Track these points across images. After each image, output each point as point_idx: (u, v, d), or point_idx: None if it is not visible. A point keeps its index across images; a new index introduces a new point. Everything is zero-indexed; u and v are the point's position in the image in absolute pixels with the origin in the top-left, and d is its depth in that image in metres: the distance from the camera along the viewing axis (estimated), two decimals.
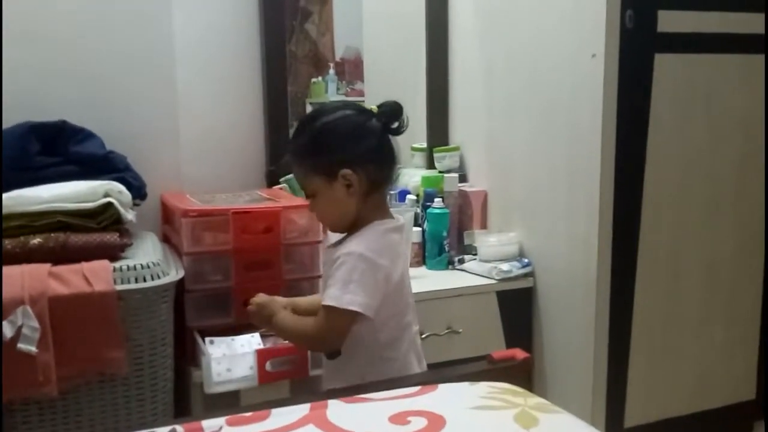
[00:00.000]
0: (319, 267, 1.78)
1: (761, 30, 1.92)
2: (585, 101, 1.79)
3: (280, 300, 1.55)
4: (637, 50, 1.76)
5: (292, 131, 1.51)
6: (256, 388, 1.64)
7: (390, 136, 1.48)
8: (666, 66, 1.80)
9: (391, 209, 1.57)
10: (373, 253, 1.39)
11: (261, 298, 1.51)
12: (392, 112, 1.47)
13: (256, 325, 1.58)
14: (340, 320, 1.39)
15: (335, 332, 1.41)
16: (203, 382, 1.63)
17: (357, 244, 1.40)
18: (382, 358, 1.45)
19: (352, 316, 1.38)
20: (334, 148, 1.42)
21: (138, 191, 1.85)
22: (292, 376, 1.68)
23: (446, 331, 1.94)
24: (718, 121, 1.91)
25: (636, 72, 1.77)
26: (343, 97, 2.60)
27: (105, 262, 1.52)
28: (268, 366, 1.64)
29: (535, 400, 1.16)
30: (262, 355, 1.63)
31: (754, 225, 2.03)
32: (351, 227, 1.46)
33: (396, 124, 1.47)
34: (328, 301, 1.37)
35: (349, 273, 1.37)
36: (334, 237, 1.55)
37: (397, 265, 1.45)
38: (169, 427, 1.08)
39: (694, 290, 1.96)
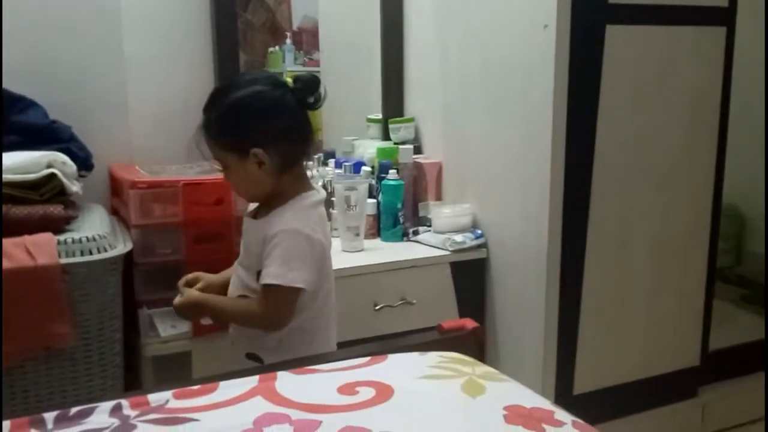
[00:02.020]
0: None
1: (713, 2, 1.94)
2: (537, 73, 1.80)
3: (209, 277, 1.54)
4: (588, 21, 1.76)
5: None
6: (210, 360, 1.64)
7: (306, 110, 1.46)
8: (617, 37, 1.81)
9: (347, 180, 1.57)
10: (308, 228, 1.40)
11: (187, 295, 1.47)
12: (307, 86, 1.43)
13: (187, 319, 1.57)
14: (287, 298, 1.39)
15: (284, 310, 1.41)
16: (146, 346, 1.63)
17: (291, 220, 1.40)
18: (304, 328, 1.46)
19: (297, 293, 1.39)
20: (244, 126, 1.39)
21: (84, 162, 1.80)
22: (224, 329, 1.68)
23: (400, 302, 1.95)
24: (668, 94, 1.93)
25: (587, 43, 1.78)
26: (300, 68, 2.56)
27: (49, 235, 1.48)
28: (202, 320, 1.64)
29: (482, 369, 1.18)
30: None
31: (702, 199, 2.07)
32: (271, 199, 1.45)
33: (312, 99, 1.44)
34: (272, 280, 1.36)
35: (288, 250, 1.37)
36: (251, 204, 1.55)
37: (328, 237, 1.48)
38: (115, 402, 1.07)
39: (643, 261, 2.00)
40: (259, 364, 1.45)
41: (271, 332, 1.44)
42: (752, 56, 2.25)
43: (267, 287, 1.38)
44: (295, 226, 1.39)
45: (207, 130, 1.42)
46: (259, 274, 1.43)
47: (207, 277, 1.53)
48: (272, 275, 1.37)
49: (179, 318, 1.53)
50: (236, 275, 1.51)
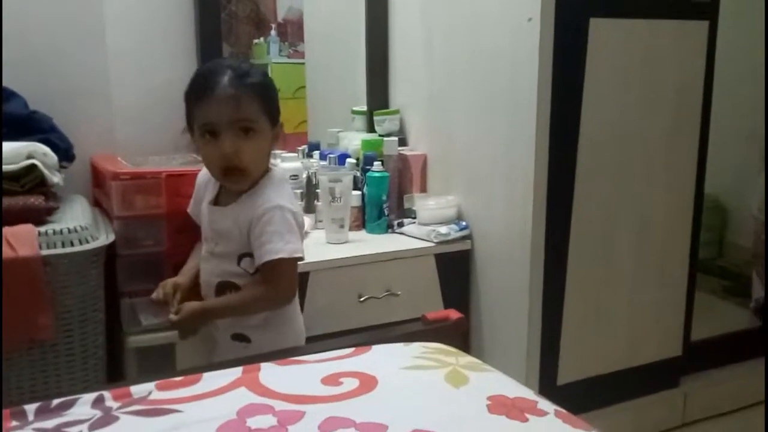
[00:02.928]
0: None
1: None
2: (522, 65, 1.80)
3: (182, 283, 1.53)
4: (572, 14, 1.77)
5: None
6: (194, 352, 1.63)
7: None
8: (601, 30, 1.81)
9: (331, 172, 1.59)
10: (288, 202, 1.46)
11: (187, 309, 1.45)
12: None
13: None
14: (290, 269, 1.44)
15: (291, 282, 1.46)
16: (129, 338, 1.63)
17: (273, 196, 1.44)
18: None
19: (296, 263, 1.45)
20: (277, 99, 1.48)
21: (65, 153, 1.78)
22: None
23: (385, 293, 1.95)
24: (652, 87, 1.94)
25: (571, 36, 1.78)
26: (285, 59, 2.55)
27: (29, 227, 1.47)
28: None
29: (466, 359, 1.18)
30: None
31: (684, 189, 2.09)
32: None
33: None
34: (275, 255, 1.40)
35: (280, 225, 1.41)
36: (207, 195, 1.55)
37: (300, 209, 1.55)
38: (96, 393, 1.06)
39: (626, 252, 2.02)
40: (244, 353, 1.45)
41: (279, 308, 1.48)
42: (735, 50, 2.27)
43: (270, 264, 1.40)
44: (279, 201, 1.43)
45: (252, 88, 1.41)
46: (241, 258, 1.45)
47: (180, 284, 1.52)
48: (274, 251, 1.40)
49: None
50: (211, 265, 1.51)
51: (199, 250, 1.59)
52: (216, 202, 1.52)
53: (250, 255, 1.45)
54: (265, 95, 1.44)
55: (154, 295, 1.50)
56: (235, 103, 1.38)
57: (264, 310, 1.48)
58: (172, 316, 1.45)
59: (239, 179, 1.44)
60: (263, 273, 1.43)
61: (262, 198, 1.43)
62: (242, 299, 1.47)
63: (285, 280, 1.44)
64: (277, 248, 1.40)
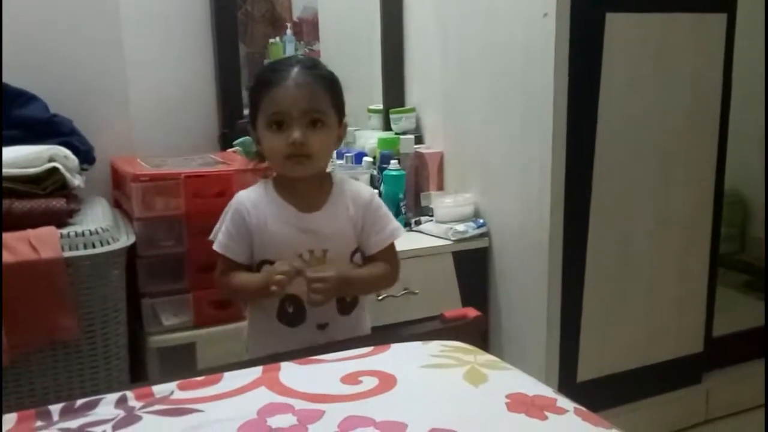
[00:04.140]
0: None
1: None
2: (537, 61, 1.79)
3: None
4: (588, 9, 1.76)
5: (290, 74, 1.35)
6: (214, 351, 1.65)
7: None
8: (617, 25, 1.80)
9: (348, 171, 1.71)
10: None
11: (338, 271, 1.33)
12: None
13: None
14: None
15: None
16: (151, 338, 1.66)
17: (363, 188, 1.49)
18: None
19: None
20: (343, 95, 1.42)
21: (85, 156, 1.80)
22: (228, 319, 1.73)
23: (403, 292, 1.95)
24: (669, 81, 1.93)
25: (588, 31, 1.77)
26: None
27: (51, 229, 1.49)
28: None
29: (485, 357, 1.18)
30: (198, 300, 1.72)
31: (703, 183, 2.07)
32: (316, 181, 1.41)
33: None
34: (401, 233, 1.46)
35: (386, 207, 1.47)
36: (275, 211, 1.40)
37: None
38: (119, 393, 1.07)
39: (645, 247, 2.00)
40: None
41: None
42: (754, 42, 2.24)
43: (393, 243, 1.45)
44: (371, 189, 1.52)
45: (325, 81, 1.36)
46: (353, 254, 1.41)
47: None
48: (398, 228, 1.46)
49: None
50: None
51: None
52: (304, 209, 1.39)
53: (358, 250, 1.43)
54: (335, 89, 1.38)
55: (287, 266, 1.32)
56: (308, 92, 1.32)
57: (385, 288, 1.55)
58: (321, 274, 1.31)
59: (303, 163, 1.34)
60: (386, 253, 1.43)
61: (357, 187, 1.46)
62: (375, 275, 1.41)
63: (398, 258, 1.48)
64: (398, 226, 1.46)
